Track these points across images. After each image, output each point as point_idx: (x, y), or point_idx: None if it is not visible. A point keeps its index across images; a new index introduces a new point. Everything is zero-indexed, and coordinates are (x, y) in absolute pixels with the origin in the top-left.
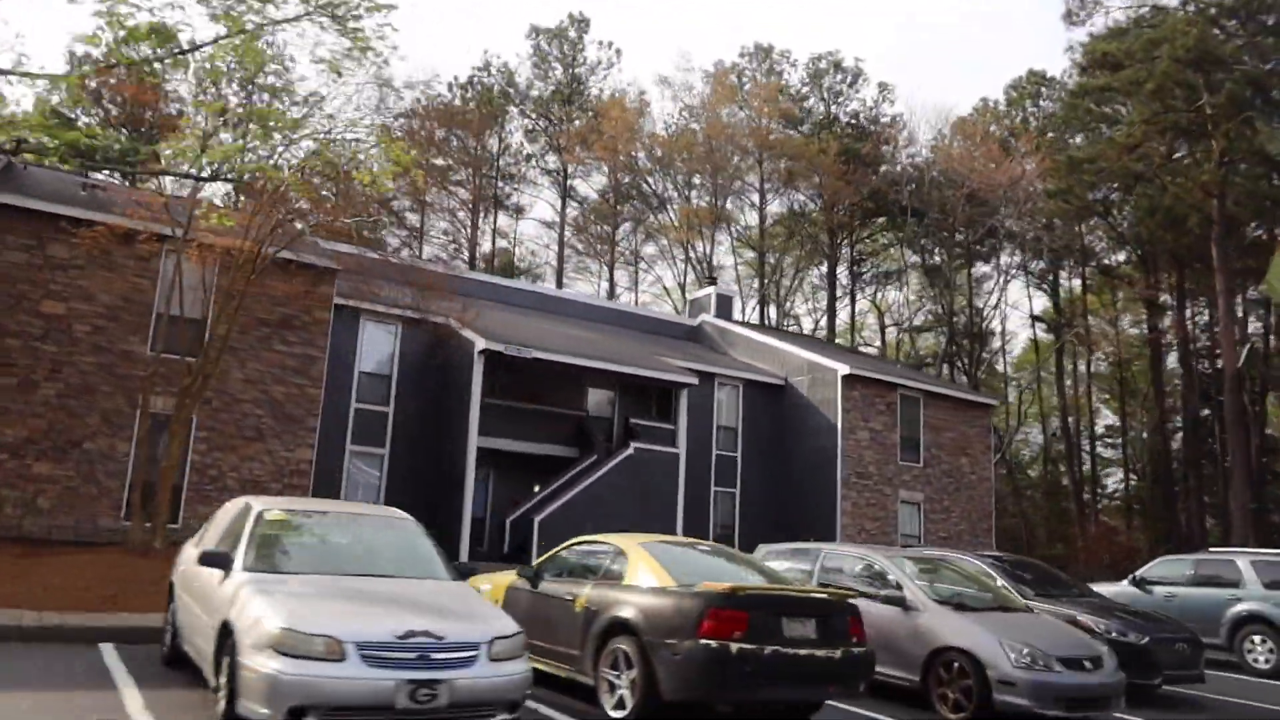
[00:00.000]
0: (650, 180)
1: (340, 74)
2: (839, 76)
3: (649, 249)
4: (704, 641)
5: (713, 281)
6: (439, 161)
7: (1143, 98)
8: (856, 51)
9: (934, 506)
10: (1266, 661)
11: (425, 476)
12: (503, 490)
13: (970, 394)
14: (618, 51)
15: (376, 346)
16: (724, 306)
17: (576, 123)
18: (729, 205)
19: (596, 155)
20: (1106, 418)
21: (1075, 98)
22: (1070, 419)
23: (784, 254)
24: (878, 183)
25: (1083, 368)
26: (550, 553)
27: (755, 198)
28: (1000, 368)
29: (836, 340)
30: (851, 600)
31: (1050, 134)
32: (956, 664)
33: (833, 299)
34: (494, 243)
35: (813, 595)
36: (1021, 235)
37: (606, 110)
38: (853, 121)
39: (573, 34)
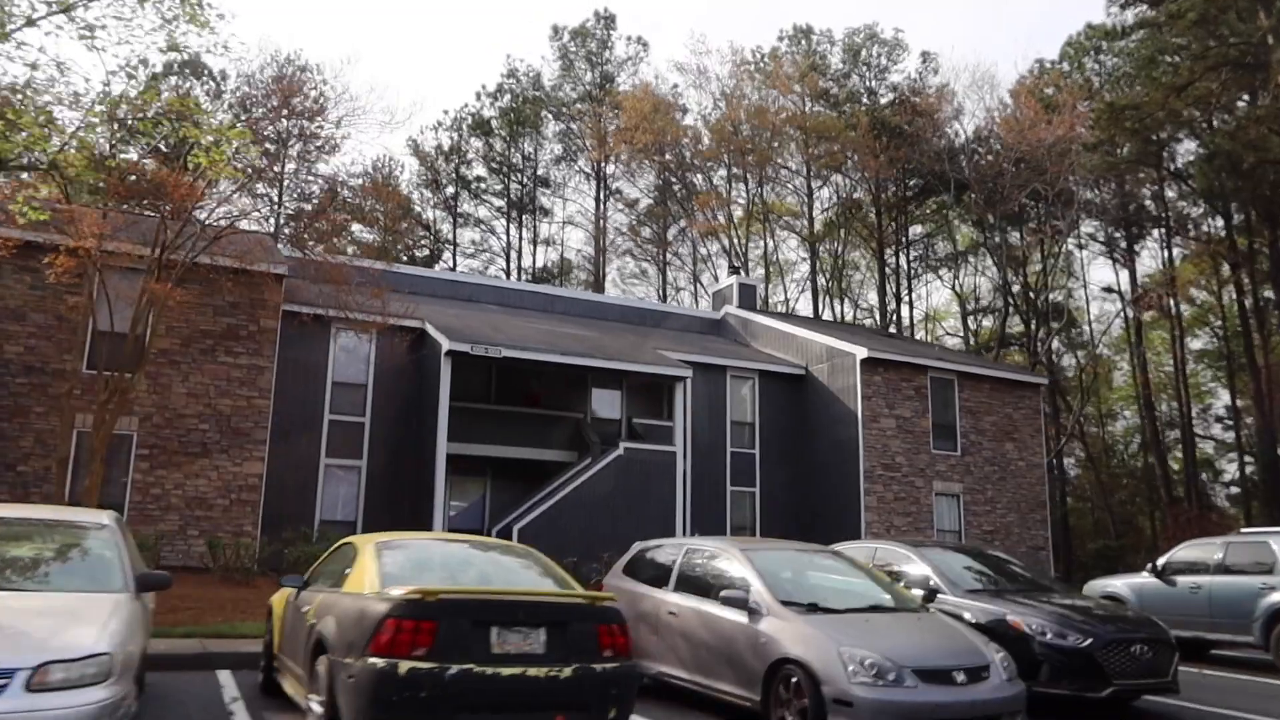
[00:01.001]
0: (691, 175)
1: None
2: (877, 50)
3: (703, 249)
4: (372, 660)
5: (736, 271)
6: (475, 172)
7: (1186, 31)
8: (897, 20)
9: (975, 498)
10: None
11: (405, 486)
12: (501, 498)
13: (1014, 373)
14: (644, 45)
15: (350, 356)
16: (747, 296)
17: (615, 124)
18: (772, 195)
19: (618, 150)
20: (1223, 398)
21: (1144, 30)
22: (1175, 402)
23: (835, 241)
24: (924, 157)
25: (1192, 345)
26: (321, 558)
27: (798, 183)
28: (1087, 348)
29: (910, 331)
30: (607, 603)
31: (1124, 89)
32: (795, 679)
33: (883, 284)
34: (535, 251)
35: (543, 598)
36: (1100, 202)
37: (624, 103)
38: (898, 96)
39: (600, 31)
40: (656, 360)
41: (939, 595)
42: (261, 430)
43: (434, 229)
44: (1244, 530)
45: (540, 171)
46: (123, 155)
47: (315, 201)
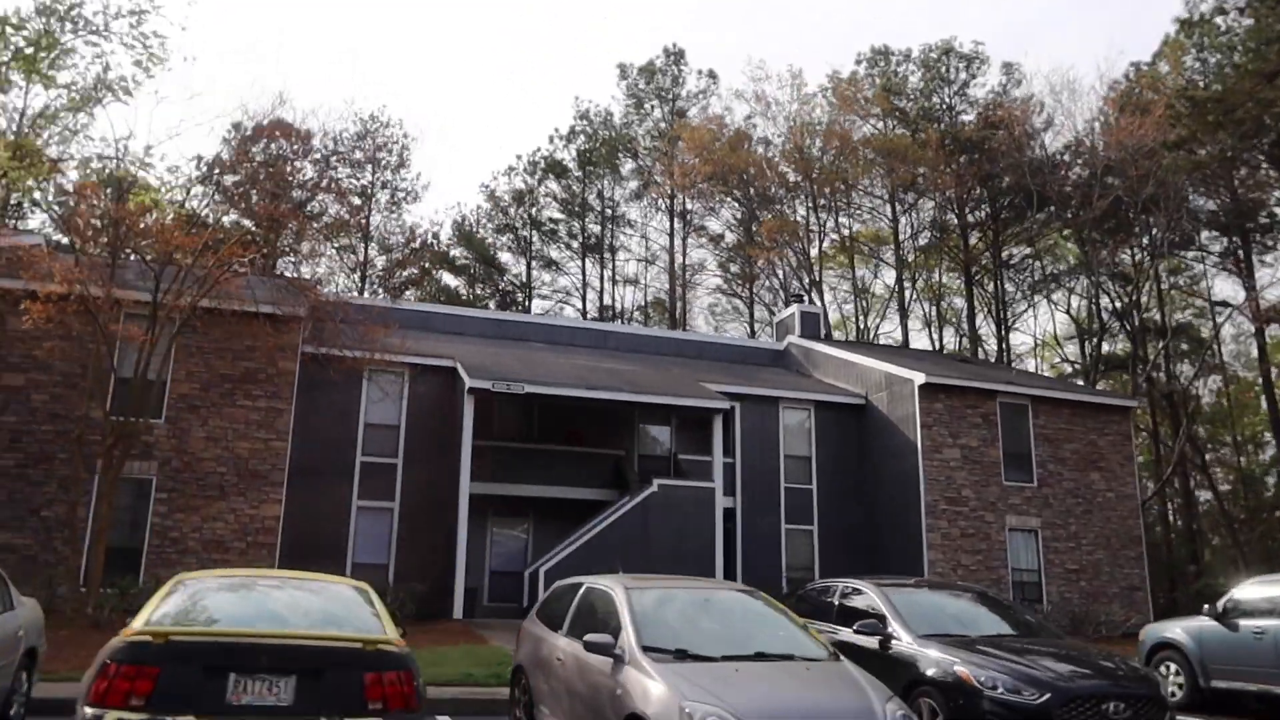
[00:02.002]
0: (773, 207)
1: None
2: (955, 64)
3: (796, 282)
4: (85, 710)
5: (798, 299)
6: (549, 213)
7: (1271, 11)
8: (975, 34)
9: (1056, 533)
10: None
11: (437, 528)
12: (544, 539)
13: (1097, 396)
14: (714, 77)
15: (382, 397)
16: (810, 325)
17: (688, 159)
18: (858, 223)
19: (685, 183)
20: None
21: (1250, 18)
22: None
23: (926, 268)
24: (1007, 172)
25: None
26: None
27: (883, 208)
28: (1207, 365)
29: (1004, 358)
30: (385, 647)
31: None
32: None
33: (972, 309)
34: (613, 290)
35: (297, 641)
36: (1218, 209)
37: (685, 135)
38: (981, 112)
39: (670, 68)
40: (695, 393)
41: (893, 640)
42: (279, 473)
43: (509, 271)
44: None
45: (615, 211)
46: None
47: (406, 250)
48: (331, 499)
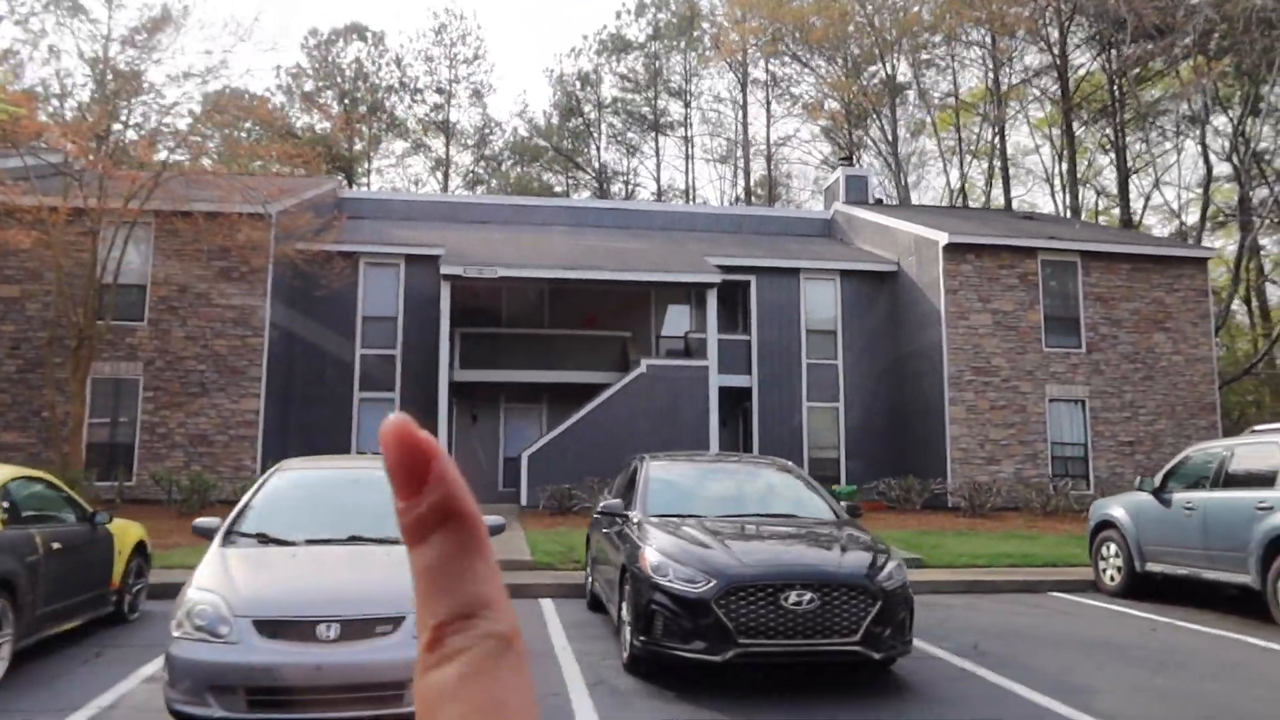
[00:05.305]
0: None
1: None
2: None
3: (907, 148)
4: None
5: (847, 161)
6: (616, 94)
7: None
8: None
9: (1108, 403)
10: None
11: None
12: (557, 423)
13: (1163, 247)
14: None
15: (379, 290)
16: (857, 189)
17: (755, 21)
18: (968, 79)
19: (728, 48)
20: None
21: None
22: None
23: (1049, 122)
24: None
25: None
26: None
27: (967, 57)
28: None
29: (1127, 214)
30: None
31: None
32: None
33: (1074, 163)
34: (692, 170)
35: None
36: None
37: None
38: None
39: None
40: (688, 267)
41: (631, 519)
42: (256, 368)
43: (587, 159)
44: (1256, 429)
45: (689, 87)
46: None
47: (482, 143)
48: (333, 391)
